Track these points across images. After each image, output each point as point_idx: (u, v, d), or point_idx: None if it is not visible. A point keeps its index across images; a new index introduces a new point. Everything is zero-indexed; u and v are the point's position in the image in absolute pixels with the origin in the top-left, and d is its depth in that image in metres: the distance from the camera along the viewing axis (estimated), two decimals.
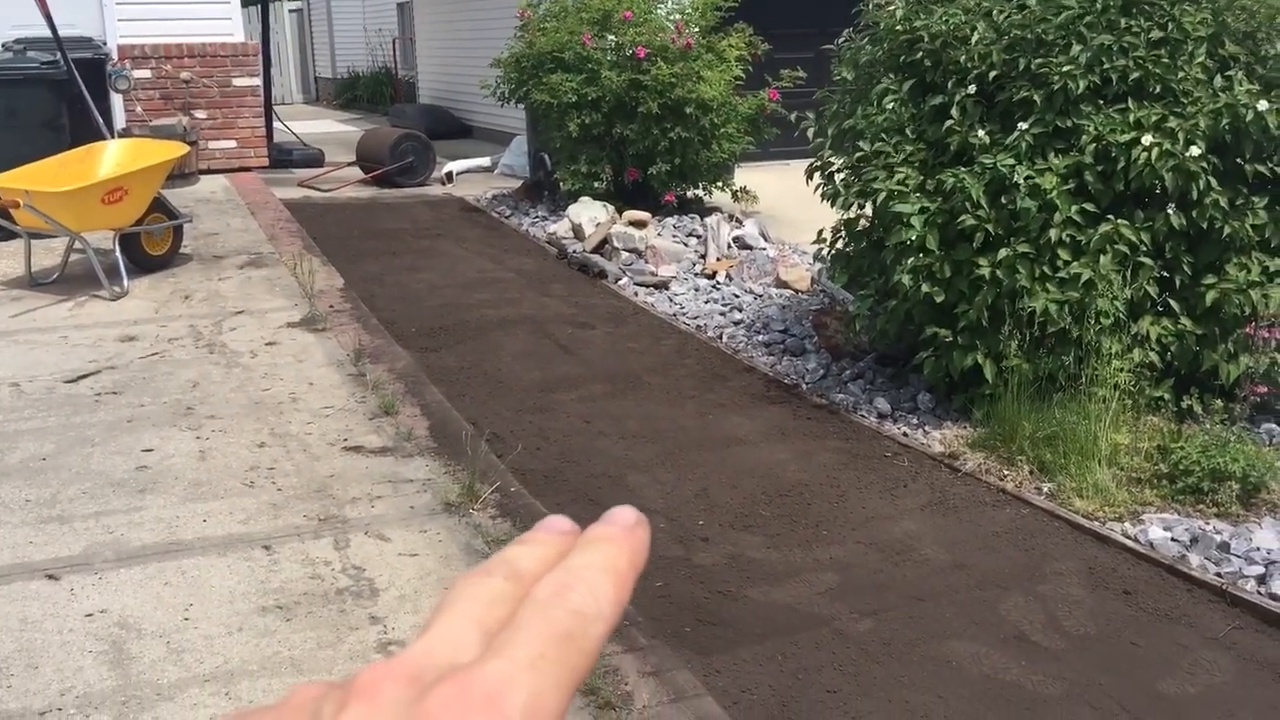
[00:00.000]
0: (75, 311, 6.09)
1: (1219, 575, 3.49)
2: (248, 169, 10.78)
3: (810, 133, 5.46)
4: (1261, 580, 3.44)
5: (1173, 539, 3.68)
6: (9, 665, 2.85)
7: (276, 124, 11.80)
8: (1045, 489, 4.11)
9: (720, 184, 8.77)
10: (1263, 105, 4.22)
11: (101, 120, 7.51)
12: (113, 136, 7.69)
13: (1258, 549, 3.59)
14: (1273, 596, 3.36)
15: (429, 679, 0.29)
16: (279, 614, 3.11)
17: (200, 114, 10.56)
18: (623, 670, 2.89)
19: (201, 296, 6.38)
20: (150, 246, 6.83)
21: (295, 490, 3.89)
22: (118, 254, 6.43)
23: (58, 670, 2.84)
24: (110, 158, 6.74)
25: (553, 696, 0.30)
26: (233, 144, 10.84)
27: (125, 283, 6.40)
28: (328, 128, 15.45)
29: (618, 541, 0.34)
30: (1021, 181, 4.32)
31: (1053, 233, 4.29)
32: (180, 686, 2.77)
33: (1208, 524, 3.78)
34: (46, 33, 7.53)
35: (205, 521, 3.65)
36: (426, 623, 0.33)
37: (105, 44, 9.70)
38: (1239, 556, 3.56)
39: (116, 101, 9.67)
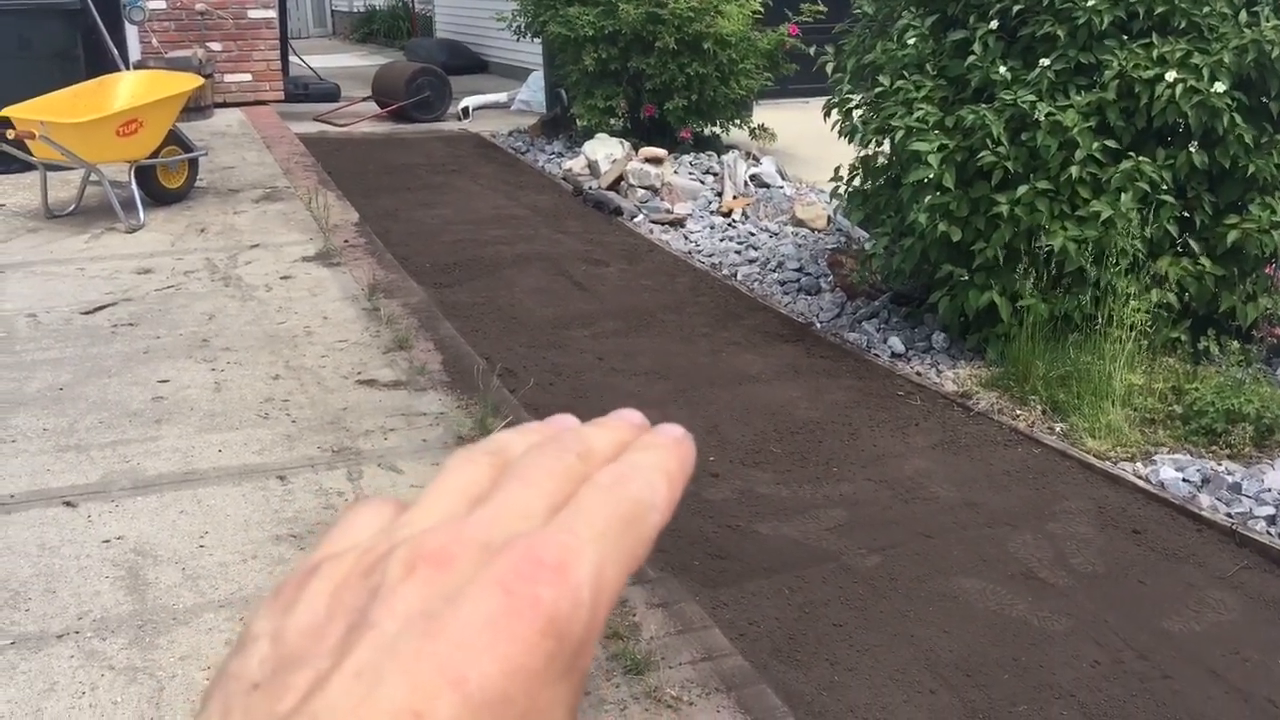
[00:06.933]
0: (91, 244, 6.10)
1: (1229, 516, 3.49)
2: (263, 103, 10.72)
3: (829, 68, 5.39)
4: (1272, 521, 3.44)
5: (1184, 479, 3.68)
6: (27, 589, 2.90)
7: (292, 58, 11.70)
8: (1058, 429, 4.10)
9: (738, 121, 8.67)
10: None
11: (116, 52, 7.47)
12: (128, 68, 7.65)
13: (1269, 490, 3.58)
14: None
15: (498, 548, 0.30)
16: (293, 543, 3.15)
17: (215, 46, 10.49)
18: (631, 601, 2.92)
19: (217, 230, 6.39)
20: (166, 179, 6.83)
21: (309, 422, 3.92)
22: (133, 187, 6.43)
23: (75, 594, 2.88)
24: (125, 90, 6.71)
25: (613, 572, 0.30)
26: (248, 77, 10.77)
27: (141, 215, 6.41)
28: (344, 62, 15.32)
29: (669, 449, 0.35)
30: (1043, 118, 4.26)
31: (1073, 170, 4.24)
32: (195, 611, 2.82)
33: (1220, 465, 3.77)
34: None
35: (220, 452, 3.69)
36: (495, 485, 0.33)
37: None
38: (1250, 497, 3.55)
39: (131, 33, 9.61)
